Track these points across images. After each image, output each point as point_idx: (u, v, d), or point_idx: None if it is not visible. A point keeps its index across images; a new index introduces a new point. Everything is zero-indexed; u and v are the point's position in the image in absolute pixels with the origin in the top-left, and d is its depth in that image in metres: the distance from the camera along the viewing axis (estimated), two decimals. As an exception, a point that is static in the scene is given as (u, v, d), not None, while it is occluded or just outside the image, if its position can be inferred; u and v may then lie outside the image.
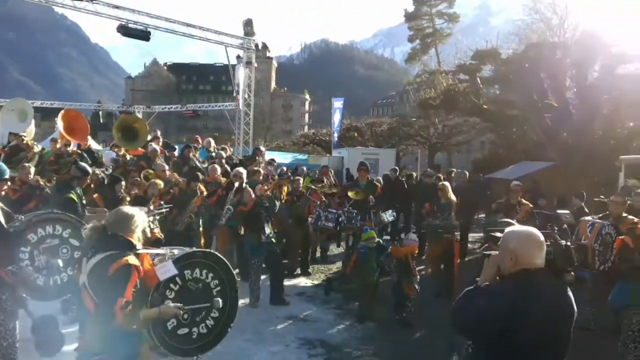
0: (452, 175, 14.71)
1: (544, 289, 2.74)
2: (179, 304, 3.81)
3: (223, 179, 10.32)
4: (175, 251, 4.21)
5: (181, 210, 8.89)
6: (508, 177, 15.72)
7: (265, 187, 9.29)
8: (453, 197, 10.22)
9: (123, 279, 3.44)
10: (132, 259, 3.53)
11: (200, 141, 14.64)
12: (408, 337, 7.29)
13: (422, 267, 10.48)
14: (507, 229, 2.99)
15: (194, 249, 4.74)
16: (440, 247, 9.41)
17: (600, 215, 8.10)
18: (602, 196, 15.53)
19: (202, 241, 9.55)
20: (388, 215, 11.13)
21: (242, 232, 9.02)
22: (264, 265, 8.66)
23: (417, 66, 56.05)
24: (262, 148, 16.32)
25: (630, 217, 7.49)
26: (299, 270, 10.70)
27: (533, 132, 20.71)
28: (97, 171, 9.19)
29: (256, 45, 27.88)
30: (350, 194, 10.62)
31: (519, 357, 2.72)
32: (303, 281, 10.21)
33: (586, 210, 9.95)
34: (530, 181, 13.60)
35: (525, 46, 20.29)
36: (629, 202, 7.98)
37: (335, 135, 29.81)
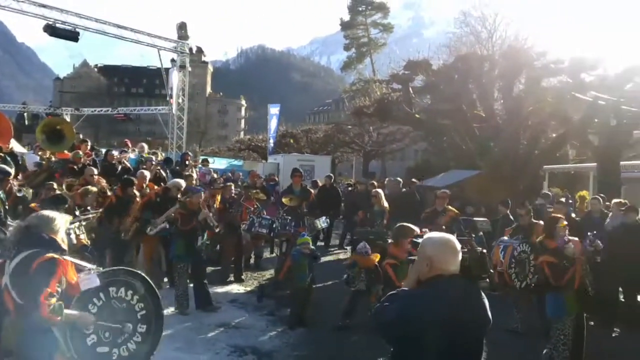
0: (385, 182, 15.01)
1: (454, 295, 2.80)
2: (94, 318, 3.82)
3: (154, 186, 10.14)
4: (101, 269, 4.18)
5: (121, 217, 8.79)
6: (438, 185, 16.13)
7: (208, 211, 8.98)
8: (386, 204, 10.43)
9: (47, 272, 3.48)
10: (56, 256, 3.58)
11: (130, 145, 14.31)
12: (339, 343, 7.35)
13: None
14: (425, 236, 3.06)
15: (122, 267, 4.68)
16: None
17: (510, 231, 8.45)
18: (518, 209, 16.24)
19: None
20: (322, 222, 11.21)
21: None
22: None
23: (352, 74, 57.03)
24: (191, 153, 16.11)
25: (539, 221, 7.94)
26: (232, 277, 10.59)
27: (462, 141, 21.34)
28: (14, 187, 8.71)
29: (190, 49, 27.51)
30: (284, 200, 10.62)
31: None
32: (236, 288, 10.10)
33: (511, 217, 10.35)
34: (458, 189, 14.01)
35: (455, 58, 20.95)
36: (550, 209, 8.43)
37: (271, 141, 29.85)
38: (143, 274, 4.53)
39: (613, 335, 8.24)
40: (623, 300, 8.94)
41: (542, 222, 7.99)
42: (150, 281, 4.47)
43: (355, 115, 32.83)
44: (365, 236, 9.62)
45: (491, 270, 7.52)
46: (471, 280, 2.94)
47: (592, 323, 8.25)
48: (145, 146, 14.05)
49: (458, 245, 2.94)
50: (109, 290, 4.06)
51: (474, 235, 7.09)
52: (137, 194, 9.25)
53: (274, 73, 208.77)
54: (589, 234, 7.17)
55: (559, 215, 6.61)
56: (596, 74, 16.92)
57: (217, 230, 9.17)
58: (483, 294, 2.96)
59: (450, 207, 9.59)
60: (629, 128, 16.57)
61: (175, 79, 23.95)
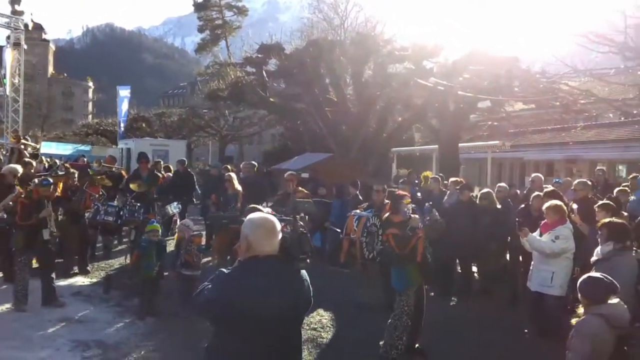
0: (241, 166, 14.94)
1: (265, 276, 2.81)
2: None
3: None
4: None
5: None
6: (292, 168, 16.40)
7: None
8: (239, 188, 10.39)
9: None
10: None
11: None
12: (189, 330, 7.21)
13: (209, 258, 10.51)
14: (248, 216, 3.07)
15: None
16: (226, 238, 9.45)
17: (366, 205, 8.93)
18: (375, 185, 17.11)
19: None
20: (173, 208, 10.93)
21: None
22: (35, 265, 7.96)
23: (207, 57, 55.77)
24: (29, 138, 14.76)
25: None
26: (76, 269, 9.94)
27: (316, 125, 21.88)
28: None
29: (26, 25, 25.33)
30: (132, 186, 10.18)
31: (245, 340, 2.78)
32: (80, 280, 9.49)
33: (360, 197, 10.80)
34: (312, 171, 14.33)
35: (306, 43, 21.37)
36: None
37: (122, 125, 28.61)
38: None
39: (450, 304, 8.95)
40: (460, 271, 9.73)
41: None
42: None
43: (210, 99, 32.34)
44: (219, 220, 9.55)
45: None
46: (289, 261, 2.96)
47: (432, 294, 8.92)
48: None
49: (277, 226, 2.95)
50: None
51: (298, 216, 7.28)
52: None
53: (124, 54, 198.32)
54: (426, 204, 7.68)
55: (403, 193, 7.00)
56: (436, 61, 18.12)
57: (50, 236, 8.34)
58: (304, 274, 3.01)
59: (301, 188, 9.78)
60: (466, 112, 18.01)
61: (9, 57, 21.93)
